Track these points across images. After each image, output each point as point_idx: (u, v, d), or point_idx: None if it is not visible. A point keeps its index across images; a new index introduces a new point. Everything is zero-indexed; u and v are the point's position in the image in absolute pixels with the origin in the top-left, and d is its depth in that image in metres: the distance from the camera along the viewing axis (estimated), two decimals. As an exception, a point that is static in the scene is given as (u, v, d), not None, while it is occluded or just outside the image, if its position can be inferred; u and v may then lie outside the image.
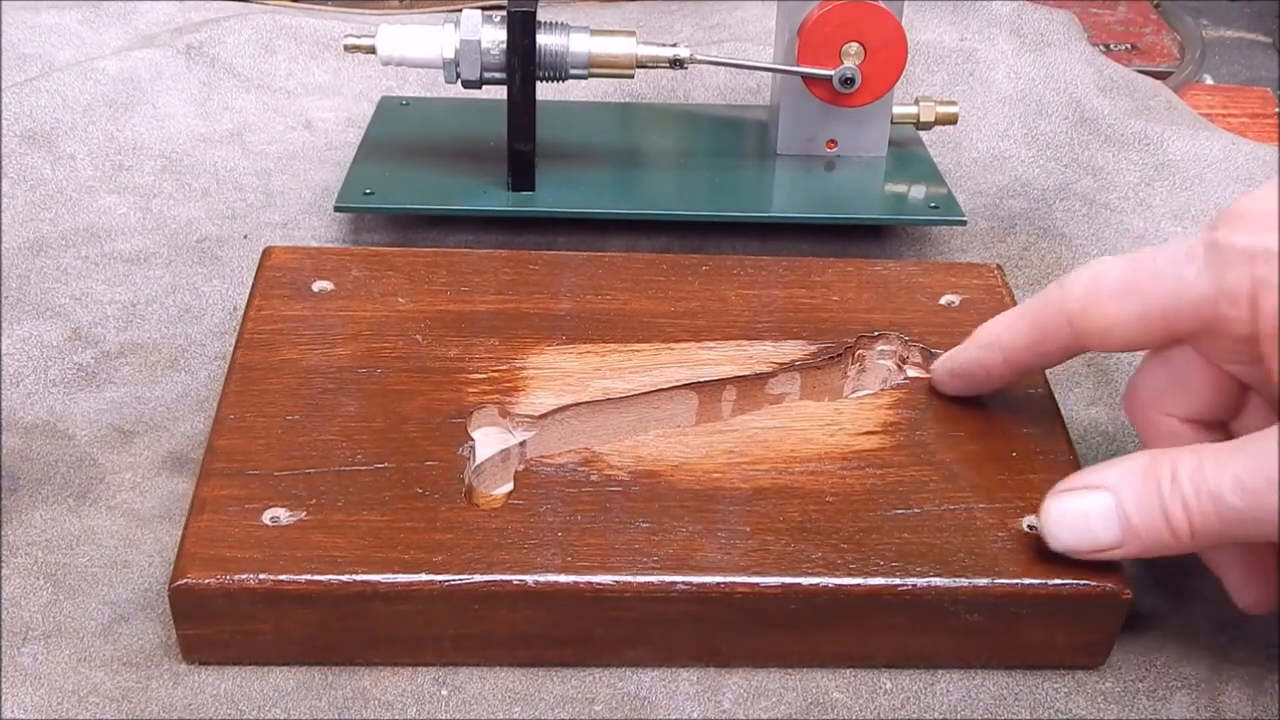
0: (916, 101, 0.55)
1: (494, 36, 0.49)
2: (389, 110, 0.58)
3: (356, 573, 0.33)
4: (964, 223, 0.52)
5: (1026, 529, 0.36)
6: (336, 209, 0.51)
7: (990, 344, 0.38)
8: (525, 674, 0.35)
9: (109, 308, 0.48)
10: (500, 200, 0.52)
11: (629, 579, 0.34)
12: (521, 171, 0.52)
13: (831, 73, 0.52)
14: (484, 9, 0.50)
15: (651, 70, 0.52)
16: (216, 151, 0.57)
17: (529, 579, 0.34)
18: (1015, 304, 0.44)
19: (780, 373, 0.41)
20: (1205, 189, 0.58)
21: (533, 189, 0.52)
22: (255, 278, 0.43)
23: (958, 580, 0.34)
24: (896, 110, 0.55)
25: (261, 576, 0.33)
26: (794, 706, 0.35)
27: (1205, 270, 0.33)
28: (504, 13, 0.49)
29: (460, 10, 0.50)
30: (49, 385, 0.44)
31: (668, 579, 0.34)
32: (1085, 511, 0.33)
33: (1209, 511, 0.31)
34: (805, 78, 0.52)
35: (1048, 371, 0.42)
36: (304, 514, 0.35)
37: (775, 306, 0.44)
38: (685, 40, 0.67)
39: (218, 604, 0.33)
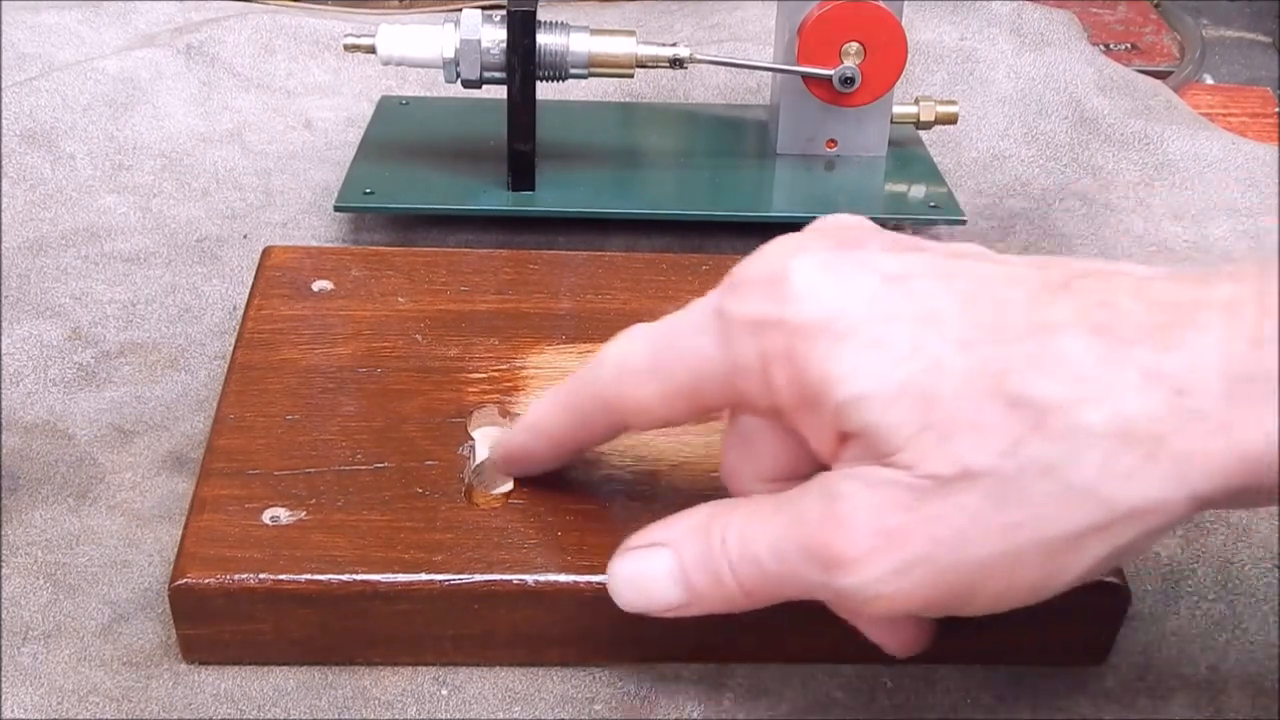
0: (916, 101, 0.55)
1: (494, 36, 0.49)
2: (389, 110, 0.58)
3: (356, 572, 0.33)
4: (963, 222, 0.52)
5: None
6: (336, 209, 0.51)
7: (532, 429, 0.35)
8: (525, 674, 0.35)
9: (109, 307, 0.48)
10: (500, 200, 0.52)
11: (629, 578, 0.34)
12: (521, 171, 0.52)
13: (831, 72, 0.52)
14: (484, 9, 0.50)
15: (651, 70, 0.52)
16: (216, 151, 0.57)
17: (529, 579, 0.34)
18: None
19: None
20: (1205, 189, 0.58)
21: (533, 189, 0.52)
22: (255, 277, 0.44)
23: (958, 580, 0.34)
24: (896, 110, 0.55)
25: (261, 576, 0.33)
26: (794, 706, 0.35)
27: (717, 344, 0.30)
28: (504, 12, 0.49)
29: (460, 10, 0.50)
30: (49, 385, 0.44)
31: (668, 578, 0.34)
32: (649, 572, 0.31)
33: (754, 574, 0.30)
34: (805, 77, 0.52)
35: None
36: (304, 513, 0.35)
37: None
38: (685, 40, 0.67)
39: (218, 604, 0.33)
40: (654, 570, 0.31)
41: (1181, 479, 0.25)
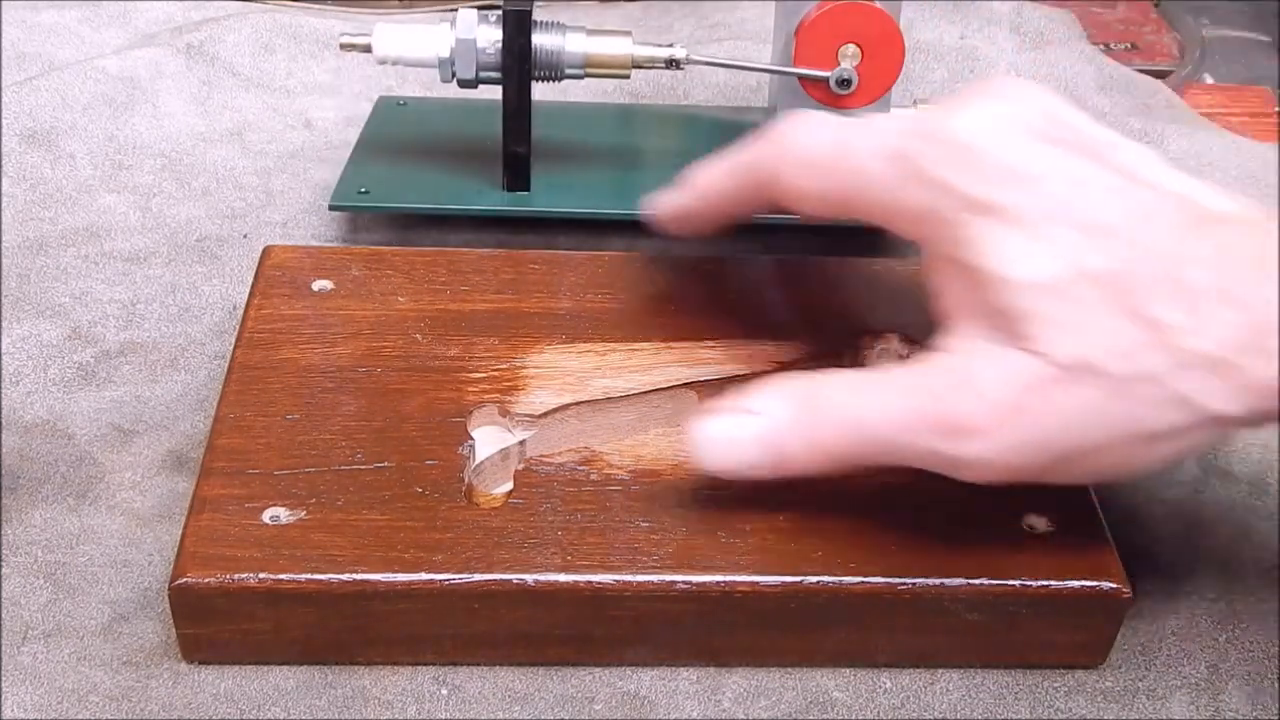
0: (915, 103, 0.55)
1: (490, 36, 0.49)
2: (386, 110, 0.58)
3: (356, 572, 0.33)
4: None
5: (1026, 529, 0.36)
6: (331, 208, 0.51)
7: (696, 189, 0.40)
8: (525, 674, 0.35)
9: (109, 307, 0.48)
10: (496, 200, 0.52)
11: (629, 578, 0.34)
12: (517, 172, 0.52)
13: (828, 74, 0.52)
14: (481, 9, 0.50)
15: (649, 70, 0.52)
16: (216, 151, 0.57)
17: (529, 578, 0.34)
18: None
19: (780, 372, 0.41)
20: (1205, 188, 0.58)
21: (528, 189, 0.52)
22: (255, 277, 0.43)
23: (958, 580, 0.34)
24: (895, 113, 0.55)
25: (261, 576, 0.33)
26: (794, 706, 0.35)
27: (892, 181, 0.33)
28: (500, 12, 0.49)
29: (458, 9, 0.50)
30: (49, 384, 0.44)
31: (668, 578, 0.34)
32: (737, 433, 0.34)
33: (858, 440, 0.33)
34: (802, 79, 0.52)
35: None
36: (304, 513, 0.35)
37: (775, 306, 0.44)
38: (685, 39, 0.67)
39: (217, 603, 0.33)
40: (743, 431, 0.34)
41: (1251, 399, 0.30)
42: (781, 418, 0.33)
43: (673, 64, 0.51)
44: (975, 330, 0.32)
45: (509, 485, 0.37)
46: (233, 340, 0.41)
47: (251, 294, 0.43)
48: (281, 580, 0.33)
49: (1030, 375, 0.31)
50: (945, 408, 0.32)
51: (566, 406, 0.39)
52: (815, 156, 0.35)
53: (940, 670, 0.36)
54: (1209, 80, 0.73)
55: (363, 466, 0.36)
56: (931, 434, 0.32)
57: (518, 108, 0.50)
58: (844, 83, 0.52)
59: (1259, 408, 0.30)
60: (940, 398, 0.32)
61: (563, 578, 0.34)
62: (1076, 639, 0.36)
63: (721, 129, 0.59)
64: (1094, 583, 0.34)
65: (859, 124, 0.35)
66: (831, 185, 0.35)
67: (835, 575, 0.34)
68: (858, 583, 0.34)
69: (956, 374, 0.32)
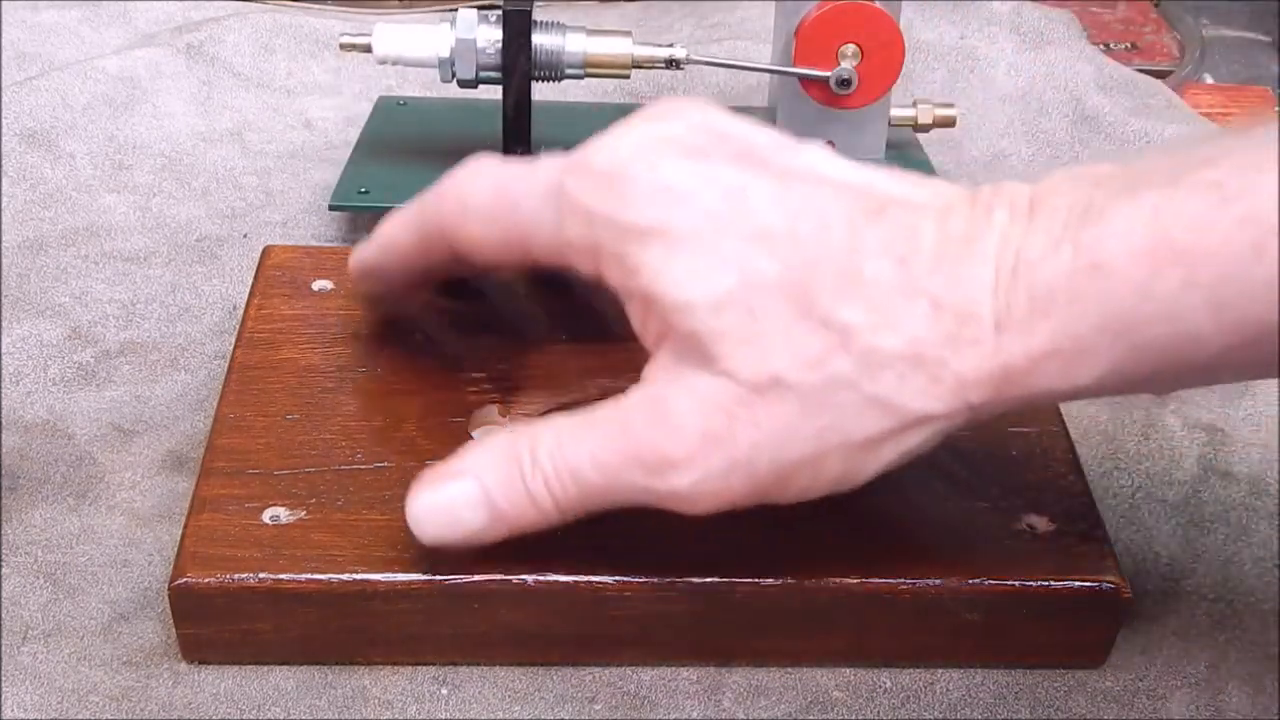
0: (914, 104, 0.55)
1: (490, 36, 0.49)
2: (386, 110, 0.58)
3: (356, 571, 0.33)
4: None
5: (1026, 529, 0.36)
6: (331, 208, 0.51)
7: (381, 243, 0.37)
8: (525, 673, 0.35)
9: (109, 307, 0.48)
10: None
11: (629, 578, 0.34)
12: None
13: (828, 74, 0.52)
14: (481, 9, 0.50)
15: (650, 70, 0.52)
16: (216, 151, 0.57)
17: (529, 578, 0.34)
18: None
19: None
20: (1205, 188, 0.58)
21: None
22: (255, 277, 0.44)
23: (957, 580, 0.34)
24: (895, 113, 0.55)
25: (261, 575, 0.33)
26: (794, 705, 0.35)
27: (553, 218, 0.32)
28: (500, 12, 0.49)
29: (458, 9, 0.50)
30: (49, 384, 0.44)
31: (668, 578, 0.34)
32: (449, 501, 0.32)
33: (572, 488, 0.31)
34: (802, 79, 0.52)
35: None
36: (304, 513, 0.35)
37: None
38: (685, 39, 0.67)
39: (217, 603, 0.33)
40: (455, 498, 0.32)
41: (960, 393, 0.29)
42: (492, 477, 0.32)
43: (673, 64, 0.51)
44: (671, 357, 0.31)
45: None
46: (233, 340, 0.41)
47: (251, 294, 0.43)
48: (281, 580, 0.33)
49: (721, 398, 0.29)
50: (644, 442, 0.30)
51: (566, 406, 0.39)
52: (481, 204, 0.34)
53: (940, 670, 0.36)
54: (1209, 80, 0.73)
55: (363, 466, 0.36)
56: (637, 471, 0.30)
57: (518, 108, 0.50)
58: (844, 83, 0.52)
59: (973, 401, 0.29)
60: (638, 433, 0.31)
61: (563, 578, 0.34)
62: (1076, 639, 0.36)
63: None
64: (1094, 583, 0.34)
65: (521, 166, 0.33)
66: (501, 232, 0.33)
67: (835, 575, 0.34)
68: (858, 583, 0.34)
69: (653, 406, 0.31)
